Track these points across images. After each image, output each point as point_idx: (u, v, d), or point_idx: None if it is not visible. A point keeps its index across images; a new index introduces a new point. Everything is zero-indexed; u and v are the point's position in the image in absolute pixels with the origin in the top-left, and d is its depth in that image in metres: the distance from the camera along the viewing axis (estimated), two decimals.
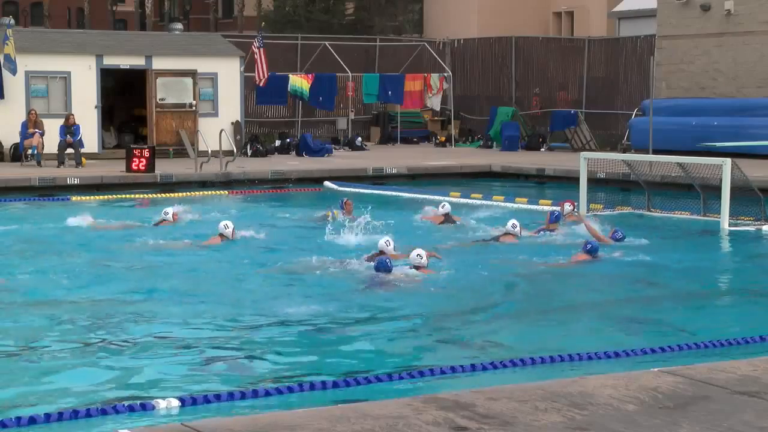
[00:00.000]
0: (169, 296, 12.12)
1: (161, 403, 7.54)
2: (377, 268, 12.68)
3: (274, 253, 15.02)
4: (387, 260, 12.75)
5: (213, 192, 22.87)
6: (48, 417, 7.31)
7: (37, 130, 25.26)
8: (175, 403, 7.59)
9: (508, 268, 13.77)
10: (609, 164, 22.31)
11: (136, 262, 14.31)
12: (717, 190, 17.57)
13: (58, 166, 24.80)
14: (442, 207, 17.82)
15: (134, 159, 23.41)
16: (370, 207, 16.52)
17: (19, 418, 7.24)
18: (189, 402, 7.68)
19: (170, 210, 17.56)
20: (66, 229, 17.15)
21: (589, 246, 14.16)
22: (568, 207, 17.68)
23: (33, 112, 25.74)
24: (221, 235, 15.59)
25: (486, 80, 36.85)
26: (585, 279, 13.55)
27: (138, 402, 7.59)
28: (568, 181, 22.32)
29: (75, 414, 7.38)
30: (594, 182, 20.67)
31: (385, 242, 13.51)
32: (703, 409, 5.80)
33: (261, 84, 29.26)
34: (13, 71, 26.39)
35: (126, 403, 7.57)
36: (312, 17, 41.82)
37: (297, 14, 42.26)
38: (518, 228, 15.71)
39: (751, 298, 12.66)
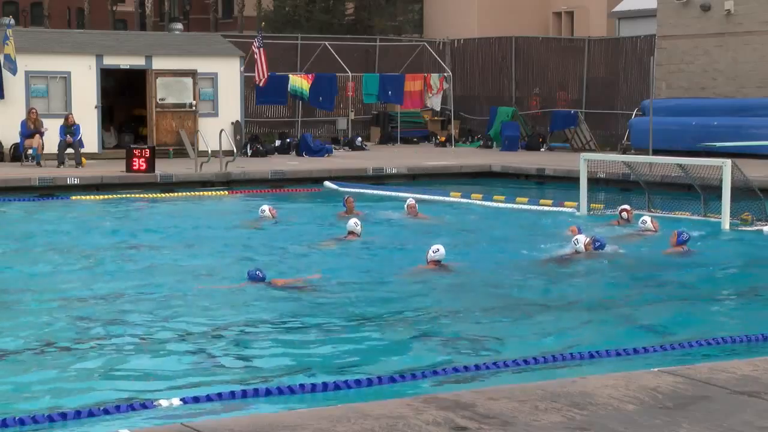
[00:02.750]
0: (172, 296, 12.12)
1: (163, 403, 7.52)
2: (250, 277, 12.26)
3: (276, 253, 15.02)
4: (257, 272, 12.30)
5: (213, 192, 22.88)
6: (50, 418, 7.31)
7: (37, 130, 25.25)
8: (177, 402, 7.58)
9: (508, 269, 13.78)
10: (609, 164, 22.31)
11: (143, 259, 14.33)
12: (717, 190, 17.57)
13: (58, 166, 24.80)
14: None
15: (134, 159, 23.41)
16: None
17: (22, 419, 7.24)
18: (190, 401, 7.67)
19: (266, 207, 17.77)
20: (74, 228, 17.18)
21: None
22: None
23: (33, 110, 25.72)
24: (351, 232, 15.45)
25: (486, 80, 36.86)
26: (585, 279, 13.55)
27: (140, 402, 7.58)
28: (568, 181, 22.31)
29: (78, 414, 7.38)
30: (594, 182, 20.67)
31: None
32: (703, 409, 5.80)
33: (261, 84, 29.26)
34: (14, 71, 26.38)
35: (129, 403, 7.56)
36: (312, 17, 41.83)
37: (297, 14, 42.27)
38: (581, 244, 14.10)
39: (751, 298, 12.66)
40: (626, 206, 17.65)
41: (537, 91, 34.92)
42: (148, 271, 13.65)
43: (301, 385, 8.12)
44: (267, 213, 17.74)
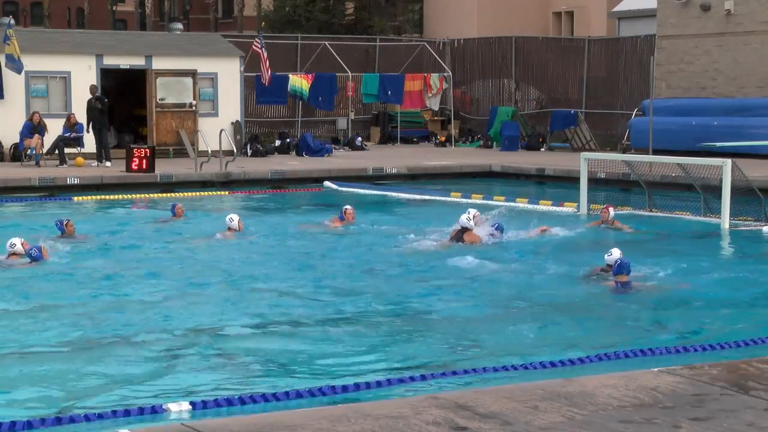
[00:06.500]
0: (171, 297, 12.11)
1: (173, 407, 7.49)
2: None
3: (274, 253, 15.02)
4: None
5: (213, 192, 22.88)
6: (59, 420, 7.31)
7: (38, 134, 25.23)
8: (186, 406, 7.53)
9: (508, 270, 13.77)
10: (609, 164, 22.31)
11: (143, 261, 14.32)
12: (717, 190, 17.57)
13: (59, 163, 24.90)
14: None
15: (134, 159, 23.42)
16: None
17: (30, 422, 7.23)
18: (200, 405, 7.63)
19: (235, 218, 16.24)
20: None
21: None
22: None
23: (36, 114, 25.62)
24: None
25: (486, 80, 36.86)
26: (584, 279, 13.53)
27: (149, 406, 7.55)
28: (568, 181, 22.32)
29: (87, 419, 7.37)
30: (594, 182, 20.66)
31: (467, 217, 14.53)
32: (704, 409, 5.80)
33: (267, 83, 29.25)
34: (18, 70, 26.25)
35: (137, 407, 7.54)
36: (312, 17, 41.83)
37: (297, 14, 42.28)
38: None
39: (751, 299, 12.65)
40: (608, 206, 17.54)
41: (536, 97, 35.03)
42: (150, 273, 13.64)
43: (309, 390, 8.07)
44: (235, 224, 16.14)
